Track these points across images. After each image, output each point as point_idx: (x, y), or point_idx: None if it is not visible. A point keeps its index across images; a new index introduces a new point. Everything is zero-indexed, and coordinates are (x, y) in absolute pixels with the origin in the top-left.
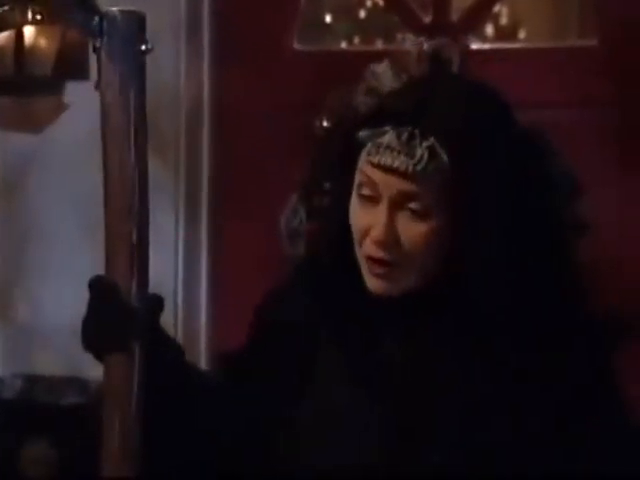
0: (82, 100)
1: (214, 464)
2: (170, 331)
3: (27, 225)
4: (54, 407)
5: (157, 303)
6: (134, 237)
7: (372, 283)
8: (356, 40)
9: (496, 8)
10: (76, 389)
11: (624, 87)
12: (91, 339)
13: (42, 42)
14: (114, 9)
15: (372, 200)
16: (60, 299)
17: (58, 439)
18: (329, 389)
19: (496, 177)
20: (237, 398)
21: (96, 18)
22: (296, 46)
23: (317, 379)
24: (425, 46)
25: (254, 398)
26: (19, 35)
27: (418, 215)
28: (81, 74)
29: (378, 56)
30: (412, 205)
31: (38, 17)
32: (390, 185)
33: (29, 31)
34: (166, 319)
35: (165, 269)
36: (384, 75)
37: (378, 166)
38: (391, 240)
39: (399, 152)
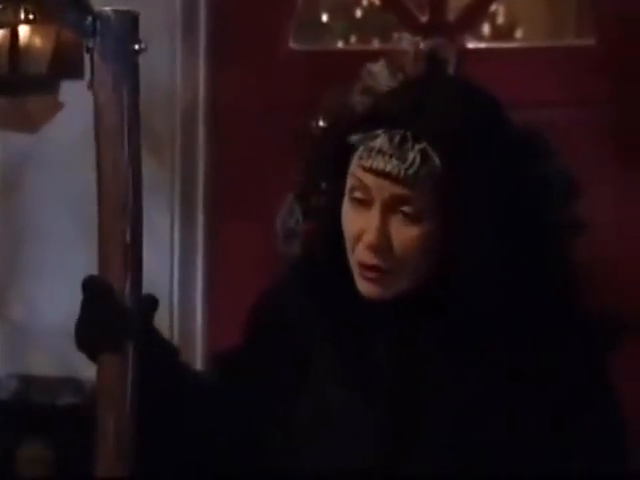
0: (77, 99)
1: (209, 464)
2: (166, 331)
3: (21, 224)
4: (50, 407)
5: (151, 303)
6: (128, 236)
7: (364, 287)
8: (352, 39)
9: (493, 7)
10: (71, 389)
11: (622, 86)
12: (84, 339)
13: (37, 41)
14: (107, 9)
15: (364, 204)
16: (55, 299)
17: (54, 439)
18: (324, 388)
19: (488, 180)
20: (232, 398)
21: (89, 18)
22: (292, 45)
23: (312, 378)
24: (422, 45)
25: (249, 398)
26: (14, 34)
27: (411, 219)
28: (76, 73)
29: (374, 55)
30: (405, 208)
31: (31, 16)
32: (382, 189)
33: (24, 30)
34: (162, 319)
35: (161, 269)
36: (380, 74)
37: (370, 170)
38: (384, 245)
39: (391, 156)
